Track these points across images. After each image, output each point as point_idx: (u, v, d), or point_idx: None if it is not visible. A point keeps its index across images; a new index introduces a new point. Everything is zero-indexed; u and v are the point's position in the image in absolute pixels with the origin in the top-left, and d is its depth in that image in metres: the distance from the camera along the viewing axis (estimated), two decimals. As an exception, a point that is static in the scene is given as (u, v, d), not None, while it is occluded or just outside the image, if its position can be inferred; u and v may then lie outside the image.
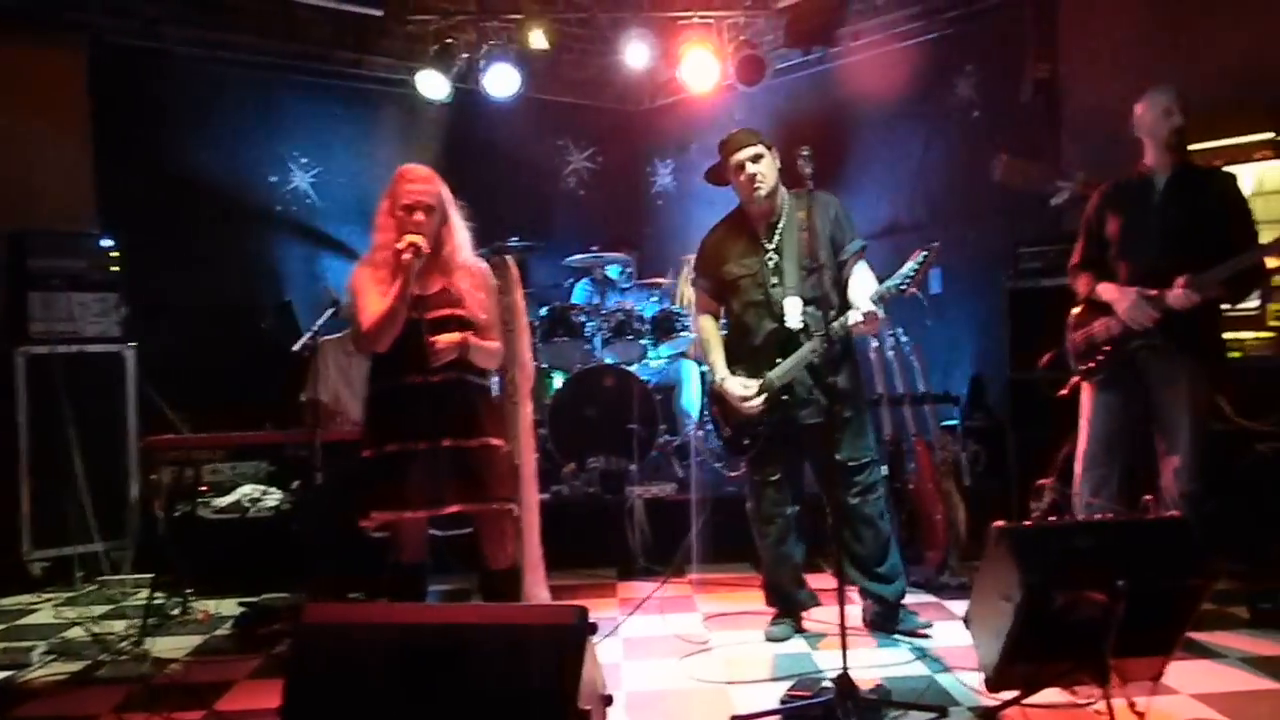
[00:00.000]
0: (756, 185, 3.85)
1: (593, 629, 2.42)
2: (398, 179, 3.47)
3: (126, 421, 5.55)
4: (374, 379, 3.55)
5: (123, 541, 5.41)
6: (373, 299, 3.38)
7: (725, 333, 4.09)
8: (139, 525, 5.46)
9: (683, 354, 6.56)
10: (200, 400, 5.64)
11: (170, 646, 4.18)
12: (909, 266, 3.54)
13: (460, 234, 3.54)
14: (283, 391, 5.59)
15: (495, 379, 3.90)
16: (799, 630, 4.08)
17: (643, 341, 6.19)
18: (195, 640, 4.29)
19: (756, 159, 3.86)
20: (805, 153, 3.39)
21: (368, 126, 7.29)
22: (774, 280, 3.85)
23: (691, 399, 6.47)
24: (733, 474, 5.53)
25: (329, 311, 4.30)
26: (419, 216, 3.40)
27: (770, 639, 3.98)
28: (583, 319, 6.16)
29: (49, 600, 5.05)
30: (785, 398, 3.82)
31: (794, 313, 3.80)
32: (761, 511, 4.03)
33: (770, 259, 3.87)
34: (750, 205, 3.92)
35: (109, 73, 6.22)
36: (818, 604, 4.18)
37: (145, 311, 5.81)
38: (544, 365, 6.24)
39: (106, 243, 5.66)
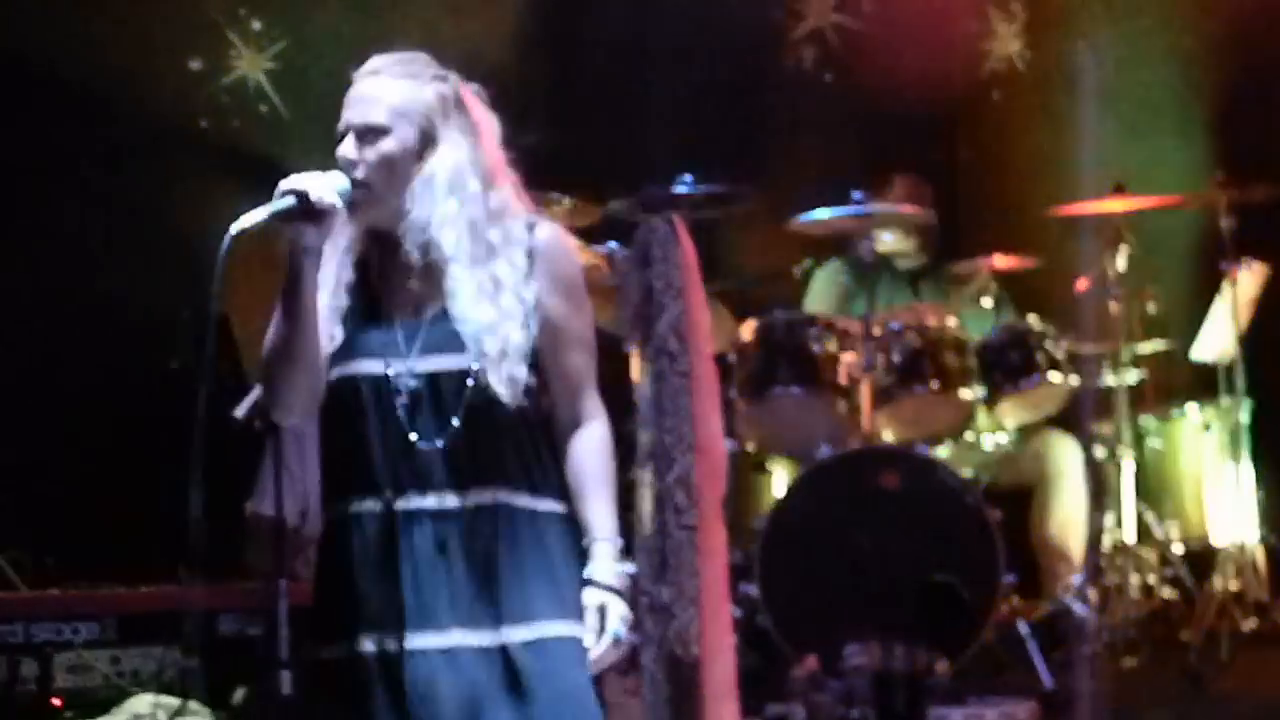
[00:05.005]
0: None
1: None
2: None
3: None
4: (324, 496, 3.58)
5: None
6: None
7: None
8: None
9: (1052, 420, 6.47)
10: (47, 522, 5.79)
11: None
12: None
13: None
14: (210, 501, 5.60)
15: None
16: None
17: (963, 394, 6.01)
18: None
19: None
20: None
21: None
22: None
23: (1070, 515, 6.31)
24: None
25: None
26: (349, 150, 3.34)
27: None
28: (832, 345, 6.01)
29: None
30: None
31: None
32: None
33: None
34: None
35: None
36: None
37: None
38: (749, 448, 6.28)
39: None
